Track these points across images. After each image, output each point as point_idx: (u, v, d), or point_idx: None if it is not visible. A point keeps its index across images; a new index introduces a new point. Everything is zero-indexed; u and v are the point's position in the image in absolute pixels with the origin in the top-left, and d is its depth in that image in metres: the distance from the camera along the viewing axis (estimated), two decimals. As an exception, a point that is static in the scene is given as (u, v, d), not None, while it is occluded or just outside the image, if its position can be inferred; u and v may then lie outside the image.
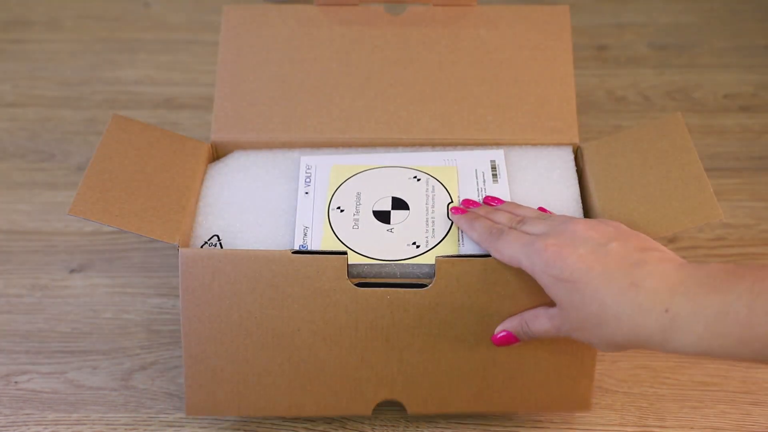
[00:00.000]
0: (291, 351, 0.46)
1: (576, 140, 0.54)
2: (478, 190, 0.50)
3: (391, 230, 0.47)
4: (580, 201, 0.50)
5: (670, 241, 0.60)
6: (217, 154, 0.56)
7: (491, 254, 0.42)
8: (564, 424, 0.48)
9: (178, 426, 0.49)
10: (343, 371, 0.46)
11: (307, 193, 0.51)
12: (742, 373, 0.51)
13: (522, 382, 0.46)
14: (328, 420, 0.49)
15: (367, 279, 0.46)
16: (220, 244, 0.49)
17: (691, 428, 0.48)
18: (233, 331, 0.46)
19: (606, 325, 0.36)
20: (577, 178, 0.51)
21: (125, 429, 0.49)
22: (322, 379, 0.46)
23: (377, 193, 0.49)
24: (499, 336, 0.44)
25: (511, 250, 0.40)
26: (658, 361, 0.52)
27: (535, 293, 0.43)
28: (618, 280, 0.35)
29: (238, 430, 0.49)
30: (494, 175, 0.51)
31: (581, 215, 0.49)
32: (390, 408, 0.49)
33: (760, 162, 0.66)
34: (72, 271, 0.59)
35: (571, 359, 0.46)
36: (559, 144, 0.54)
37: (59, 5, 0.85)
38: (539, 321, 0.42)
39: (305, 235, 0.48)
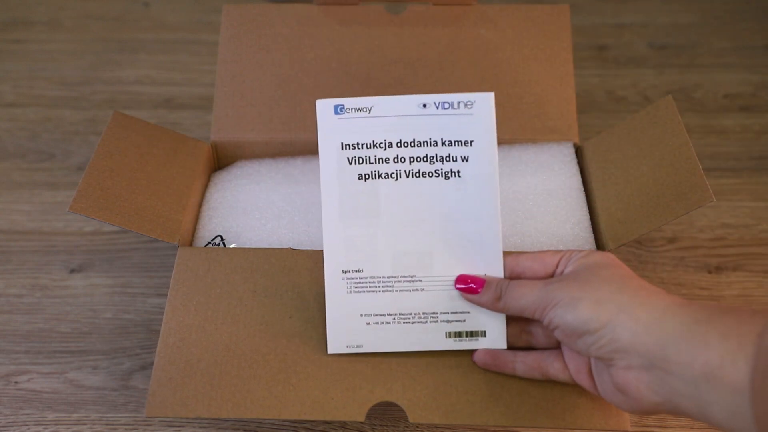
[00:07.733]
0: (279, 339, 0.43)
1: (576, 140, 0.54)
2: None
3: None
4: (582, 190, 0.51)
5: (669, 241, 0.59)
6: (217, 154, 0.56)
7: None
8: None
9: (178, 426, 0.49)
10: (336, 364, 0.43)
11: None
12: (742, 373, 0.51)
13: (539, 393, 0.41)
14: (328, 420, 0.49)
15: None
16: (224, 243, 0.50)
17: (691, 428, 0.48)
18: (219, 317, 0.44)
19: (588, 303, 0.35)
20: (578, 167, 0.52)
21: (125, 429, 0.49)
22: (310, 370, 0.42)
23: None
24: (462, 282, 0.42)
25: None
26: (658, 360, 0.52)
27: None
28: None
29: (238, 430, 0.49)
30: None
31: (585, 204, 0.50)
32: (389, 410, 0.49)
33: (760, 162, 0.66)
34: (72, 271, 0.59)
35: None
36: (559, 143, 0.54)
37: (59, 5, 0.85)
38: (522, 286, 0.39)
39: None
